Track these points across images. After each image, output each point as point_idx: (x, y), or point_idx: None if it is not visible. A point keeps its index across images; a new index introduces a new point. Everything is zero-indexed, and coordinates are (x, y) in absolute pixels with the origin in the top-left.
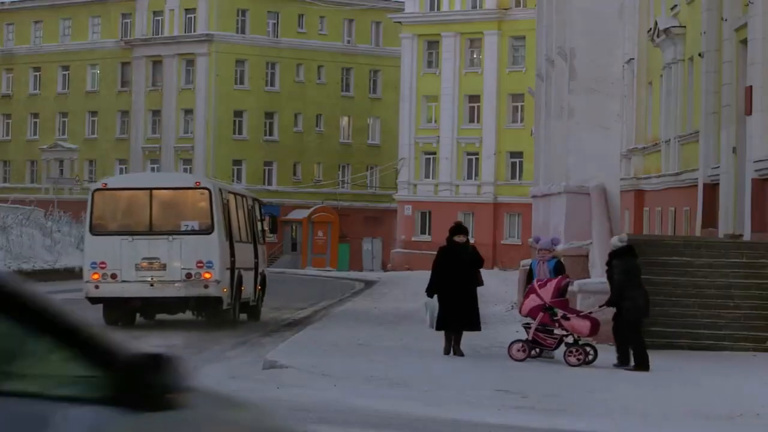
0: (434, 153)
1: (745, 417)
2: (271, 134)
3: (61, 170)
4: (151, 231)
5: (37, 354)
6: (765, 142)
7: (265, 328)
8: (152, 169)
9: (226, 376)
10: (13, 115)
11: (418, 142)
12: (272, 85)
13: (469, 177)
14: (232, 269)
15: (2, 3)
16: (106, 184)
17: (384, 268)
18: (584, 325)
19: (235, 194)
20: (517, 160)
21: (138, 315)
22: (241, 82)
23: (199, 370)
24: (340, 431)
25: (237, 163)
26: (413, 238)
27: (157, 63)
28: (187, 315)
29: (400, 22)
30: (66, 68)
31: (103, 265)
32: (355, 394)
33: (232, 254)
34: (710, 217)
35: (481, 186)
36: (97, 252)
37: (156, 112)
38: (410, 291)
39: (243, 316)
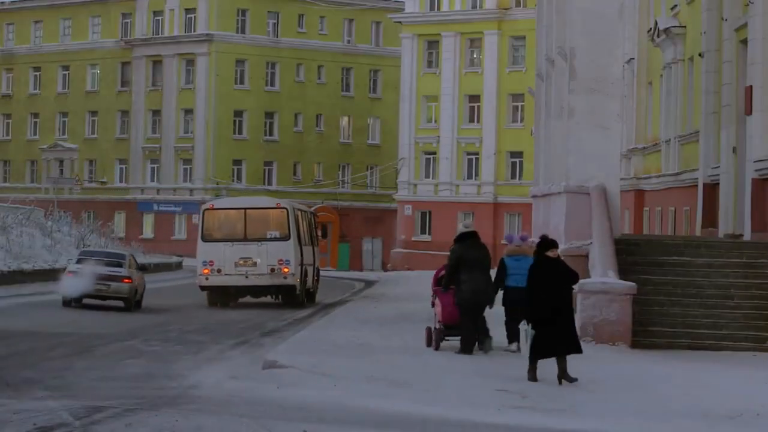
0: (434, 153)
1: (745, 417)
2: (271, 134)
3: (61, 170)
4: (245, 238)
5: None
6: (765, 142)
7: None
8: (152, 169)
9: (226, 376)
10: (13, 115)
11: (418, 142)
12: (272, 85)
13: (469, 177)
14: (301, 265)
15: (2, 3)
16: (213, 205)
17: (384, 268)
18: (439, 311)
19: (301, 211)
20: (517, 160)
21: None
22: (241, 82)
23: (200, 370)
24: (340, 431)
25: (237, 163)
26: (413, 238)
27: (157, 63)
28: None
29: (400, 22)
30: (66, 68)
31: (212, 263)
32: (355, 394)
33: (301, 254)
34: (710, 217)
35: (481, 186)
36: (207, 254)
37: (156, 112)
38: (410, 291)
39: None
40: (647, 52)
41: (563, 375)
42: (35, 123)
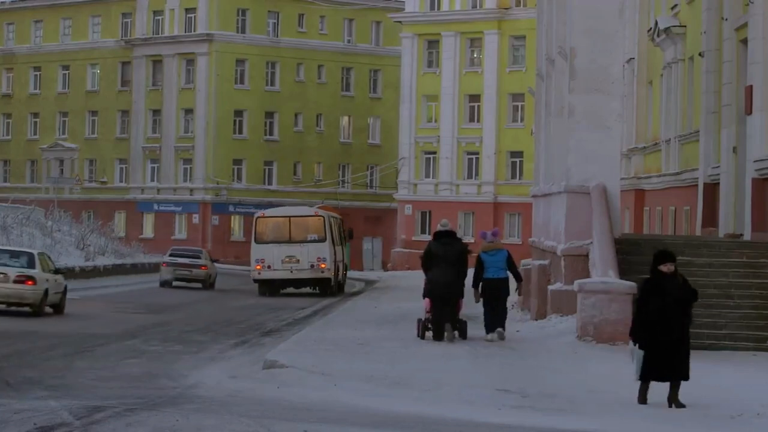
0: (434, 152)
1: (745, 417)
2: (271, 134)
3: (62, 170)
4: (290, 240)
5: None
6: (765, 142)
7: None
8: (152, 169)
9: (226, 376)
10: (14, 115)
11: (418, 142)
12: (272, 84)
13: (470, 176)
14: (334, 262)
15: (2, 3)
16: (264, 213)
17: (384, 268)
18: (425, 304)
19: (333, 217)
20: (518, 160)
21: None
22: (241, 82)
23: (200, 370)
24: (340, 431)
25: (237, 162)
26: (414, 238)
27: (157, 62)
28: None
29: (400, 22)
30: (66, 68)
31: (263, 261)
32: (355, 394)
33: (334, 253)
34: (710, 217)
35: (481, 185)
36: (259, 253)
37: (156, 112)
38: (410, 290)
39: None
40: (647, 52)
41: (673, 399)
42: (35, 123)
